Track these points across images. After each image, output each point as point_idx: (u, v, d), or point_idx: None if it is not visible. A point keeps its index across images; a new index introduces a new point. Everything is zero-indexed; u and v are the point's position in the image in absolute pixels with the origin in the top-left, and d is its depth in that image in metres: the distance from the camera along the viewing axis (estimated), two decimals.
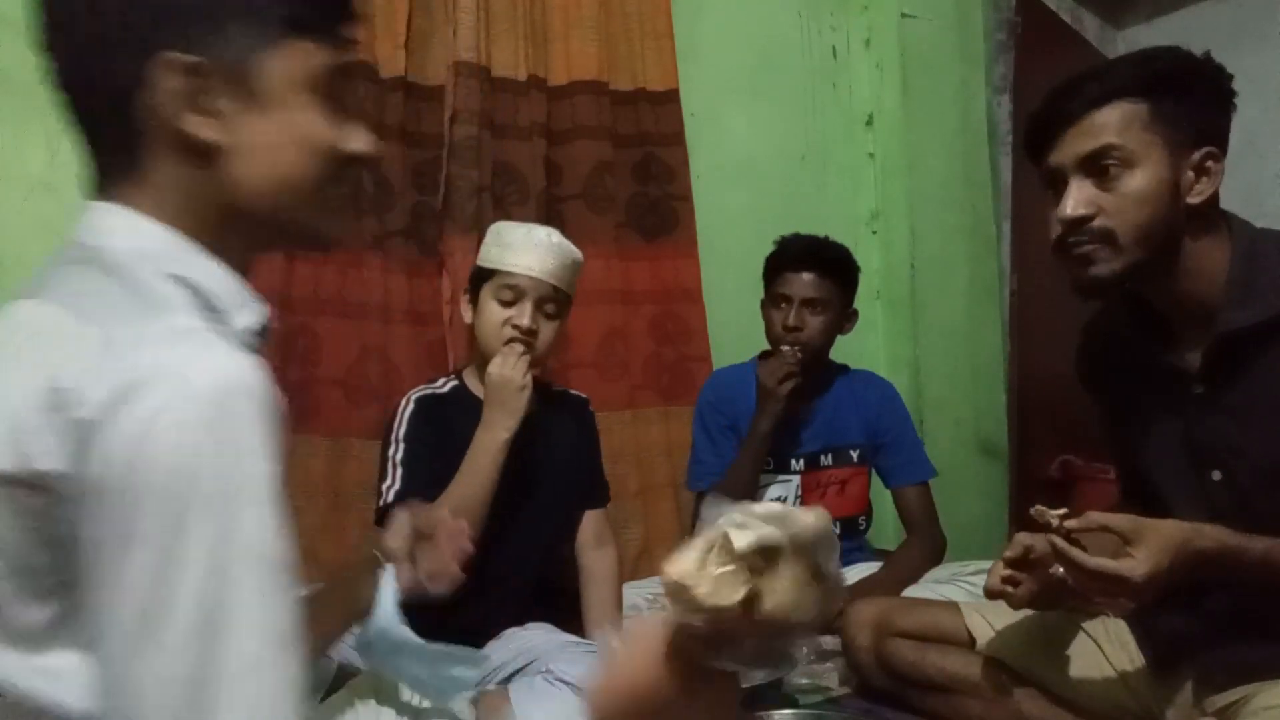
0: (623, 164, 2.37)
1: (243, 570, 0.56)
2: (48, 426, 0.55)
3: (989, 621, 1.48)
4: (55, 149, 1.73)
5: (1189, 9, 3.46)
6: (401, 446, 1.54)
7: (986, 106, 2.97)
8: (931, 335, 2.82)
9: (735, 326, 2.43)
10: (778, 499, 2.12)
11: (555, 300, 1.59)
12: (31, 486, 0.56)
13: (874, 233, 2.87)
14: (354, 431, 1.98)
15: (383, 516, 1.53)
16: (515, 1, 2.19)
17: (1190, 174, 1.17)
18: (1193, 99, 1.17)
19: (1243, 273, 1.16)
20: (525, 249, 1.57)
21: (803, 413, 2.11)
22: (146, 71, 0.65)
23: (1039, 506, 1.13)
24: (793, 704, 1.55)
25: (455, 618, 1.28)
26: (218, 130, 0.68)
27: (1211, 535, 1.08)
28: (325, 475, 1.94)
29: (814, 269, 2.00)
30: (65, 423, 0.55)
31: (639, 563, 2.24)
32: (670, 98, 2.43)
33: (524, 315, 1.55)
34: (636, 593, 1.96)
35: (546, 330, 1.58)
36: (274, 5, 0.69)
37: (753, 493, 2.02)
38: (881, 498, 2.22)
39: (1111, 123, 1.16)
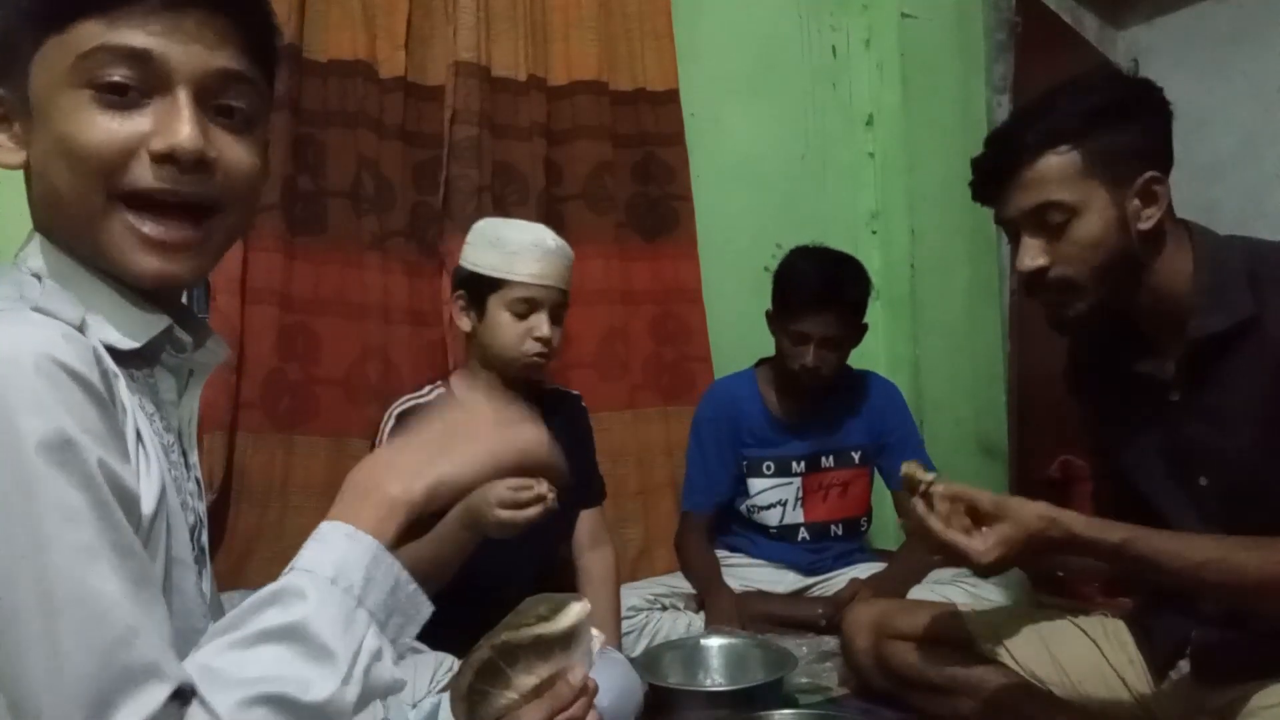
0: (623, 164, 2.37)
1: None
2: None
3: (988, 624, 1.48)
4: None
5: (1189, 9, 3.45)
6: None
7: (986, 106, 2.96)
8: (931, 335, 2.82)
9: (735, 327, 2.43)
10: (779, 503, 2.11)
11: (564, 304, 1.58)
12: None
13: (874, 233, 2.87)
14: (354, 431, 1.97)
15: None
16: (515, 1, 2.19)
17: (1136, 202, 1.17)
18: (1126, 129, 1.17)
19: (1208, 280, 1.17)
20: (533, 256, 1.53)
21: (804, 416, 2.11)
22: None
23: (912, 464, 1.16)
24: (793, 704, 1.55)
25: (452, 627, 1.27)
26: (15, 152, 0.67)
27: (1066, 526, 1.10)
28: (325, 475, 1.94)
29: (835, 309, 1.94)
30: None
31: (639, 563, 2.24)
32: (670, 98, 2.43)
33: (543, 326, 1.53)
34: (637, 593, 1.96)
35: (558, 335, 1.57)
36: (19, 6, 0.65)
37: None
38: (881, 498, 2.22)
39: (1049, 176, 1.17)
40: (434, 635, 1.13)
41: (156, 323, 0.71)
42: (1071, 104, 1.18)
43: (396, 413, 1.57)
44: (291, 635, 0.59)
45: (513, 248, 1.53)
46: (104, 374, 0.61)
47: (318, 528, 0.66)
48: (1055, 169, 1.17)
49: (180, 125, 0.65)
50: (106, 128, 0.64)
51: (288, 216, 1.94)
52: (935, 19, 2.89)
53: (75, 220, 0.66)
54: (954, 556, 1.12)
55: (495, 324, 1.54)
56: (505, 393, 1.63)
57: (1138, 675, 1.34)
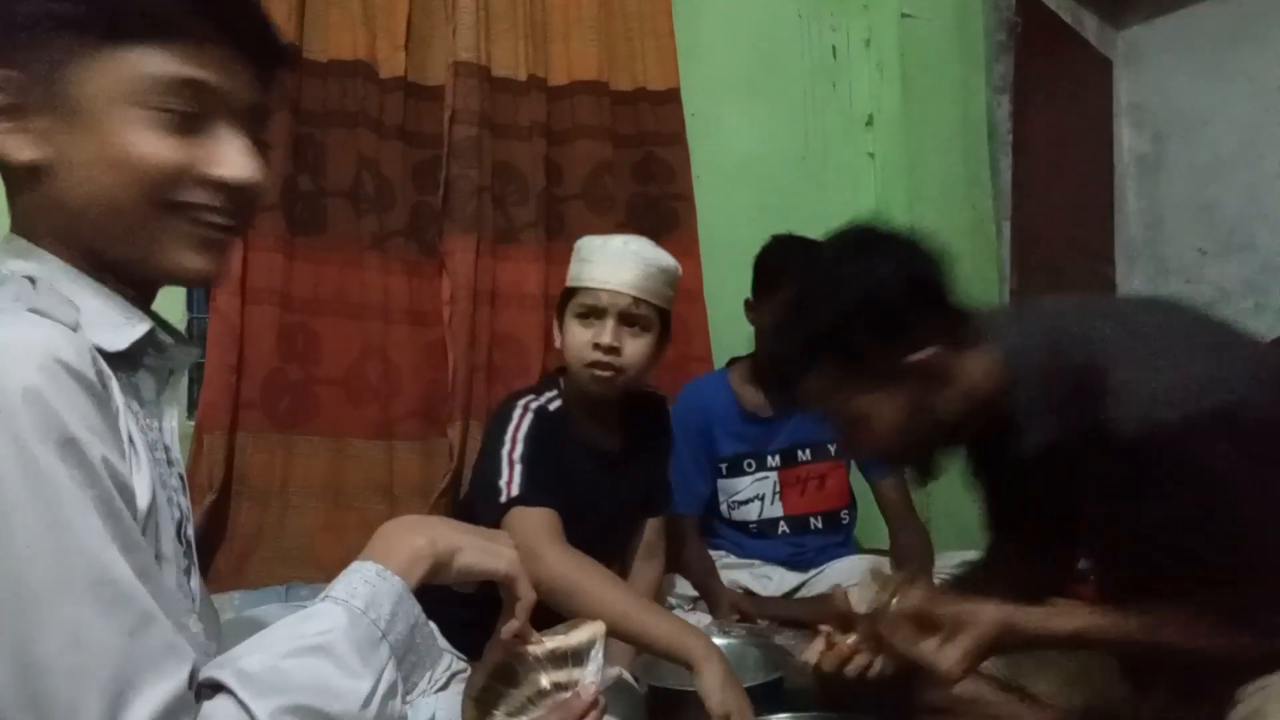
0: (623, 164, 2.37)
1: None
2: None
3: None
4: None
5: (1189, 9, 3.45)
6: (520, 446, 1.43)
7: (986, 106, 2.97)
8: None
9: (735, 326, 2.42)
10: (757, 497, 2.12)
11: (640, 314, 1.48)
12: None
13: None
14: (354, 431, 1.98)
15: (505, 512, 1.39)
16: (515, 1, 2.20)
17: (920, 381, 1.12)
18: (876, 321, 1.11)
19: (1017, 402, 1.13)
20: (600, 261, 1.48)
21: (778, 410, 2.12)
22: None
23: (875, 582, 1.16)
24: (792, 704, 1.55)
25: (473, 627, 1.25)
26: (36, 147, 0.66)
27: (1021, 629, 1.10)
28: (325, 475, 1.94)
29: None
30: None
31: None
32: (670, 98, 2.44)
33: (604, 333, 1.45)
34: None
35: (633, 347, 1.47)
36: (86, 13, 0.65)
37: None
38: (866, 494, 2.23)
39: (820, 394, 1.16)
40: (454, 634, 1.11)
41: (141, 325, 0.72)
42: (816, 320, 1.14)
43: (534, 407, 1.50)
44: (325, 652, 0.64)
45: (585, 254, 1.50)
46: (99, 373, 0.62)
47: (350, 565, 0.71)
48: (822, 388, 1.15)
49: (241, 158, 0.71)
50: (167, 148, 0.67)
51: (288, 216, 1.94)
52: (935, 19, 2.89)
53: (118, 224, 0.68)
54: (920, 668, 1.11)
55: (567, 334, 1.50)
56: (599, 410, 1.56)
57: (1121, 688, 1.33)
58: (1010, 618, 1.09)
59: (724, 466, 2.12)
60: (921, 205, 2.82)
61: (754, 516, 2.13)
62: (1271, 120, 3.16)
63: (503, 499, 1.38)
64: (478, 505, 1.44)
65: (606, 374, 1.47)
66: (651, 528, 1.69)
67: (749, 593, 2.05)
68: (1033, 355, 1.13)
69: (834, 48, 2.85)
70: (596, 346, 1.46)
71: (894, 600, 1.12)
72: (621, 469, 1.58)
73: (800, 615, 1.96)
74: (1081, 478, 1.13)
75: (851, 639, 1.20)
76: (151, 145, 0.67)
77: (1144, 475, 1.03)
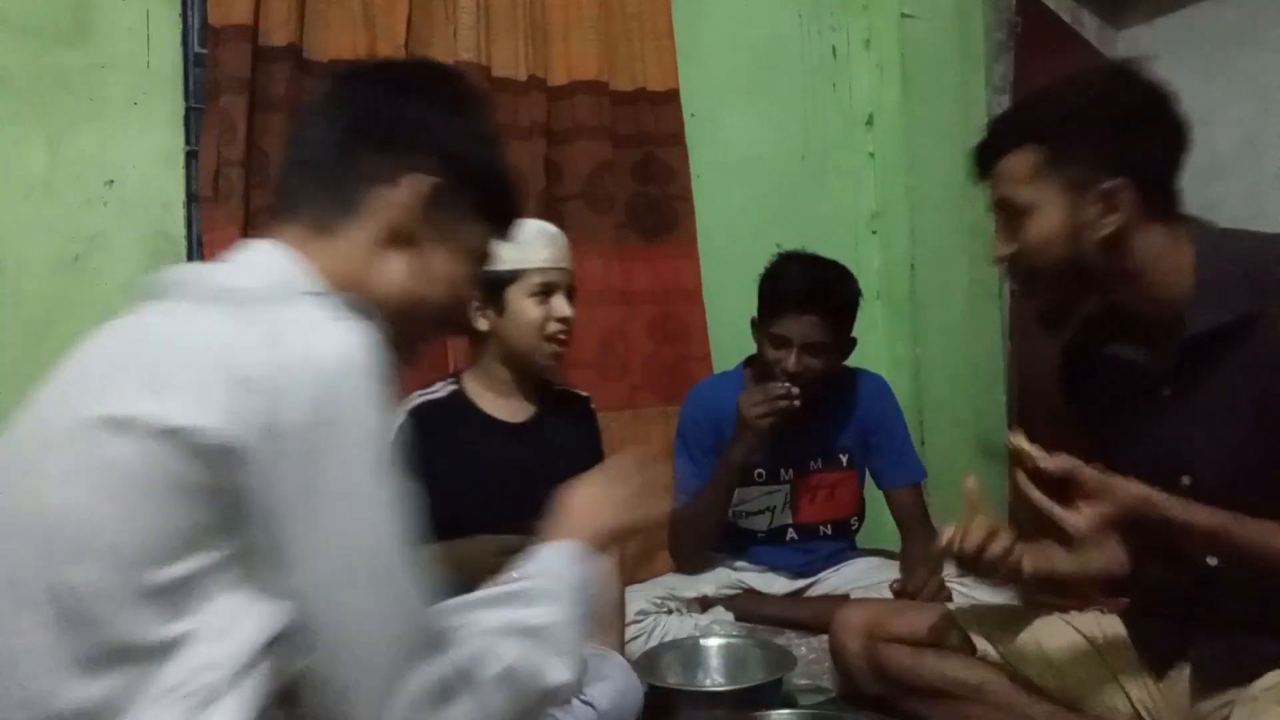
0: (623, 164, 2.37)
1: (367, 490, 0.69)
2: (228, 397, 0.65)
3: (984, 626, 1.47)
4: (55, 149, 1.73)
5: (1189, 9, 3.45)
6: None
7: (986, 106, 2.97)
8: (931, 335, 2.82)
9: (735, 326, 2.42)
10: (768, 508, 2.10)
11: (574, 285, 1.66)
12: (205, 452, 0.65)
13: (874, 233, 2.87)
14: None
15: None
16: (515, 1, 2.20)
17: (1095, 208, 1.16)
18: (1100, 133, 1.16)
19: (1207, 276, 1.16)
20: (543, 243, 1.60)
21: (792, 418, 2.06)
22: (403, 177, 0.84)
23: (1019, 436, 1.18)
24: (793, 704, 1.55)
25: None
26: (413, 238, 0.86)
27: (1162, 509, 1.11)
28: None
29: (818, 313, 1.87)
30: (242, 393, 0.65)
31: (638, 565, 2.24)
32: (670, 98, 2.44)
33: (564, 307, 1.60)
34: (643, 595, 1.95)
35: (574, 314, 1.64)
36: (495, 202, 0.93)
37: (724, 515, 2.02)
38: (873, 497, 2.22)
39: (1008, 174, 1.21)
40: None
41: None
42: (1052, 102, 1.20)
43: (409, 409, 1.59)
44: (539, 634, 0.80)
45: (523, 238, 1.55)
46: None
47: (557, 541, 0.93)
48: (1016, 167, 1.20)
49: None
50: (470, 288, 0.94)
51: None
52: (935, 19, 2.89)
53: (410, 311, 0.87)
54: (1041, 528, 1.15)
55: (518, 313, 1.59)
56: (519, 391, 1.66)
57: (1135, 678, 1.33)
58: (1152, 495, 1.11)
59: None
60: (921, 205, 2.82)
61: (764, 526, 2.10)
62: (1271, 120, 3.16)
63: None
64: None
65: (563, 344, 1.63)
66: None
67: (753, 591, 2.04)
68: (1227, 243, 1.18)
69: (834, 48, 2.85)
70: (560, 320, 1.60)
71: (1044, 461, 1.14)
72: (532, 439, 1.65)
73: (804, 616, 1.94)
74: (1247, 368, 1.13)
75: (987, 522, 1.24)
76: (467, 284, 0.93)
77: None
